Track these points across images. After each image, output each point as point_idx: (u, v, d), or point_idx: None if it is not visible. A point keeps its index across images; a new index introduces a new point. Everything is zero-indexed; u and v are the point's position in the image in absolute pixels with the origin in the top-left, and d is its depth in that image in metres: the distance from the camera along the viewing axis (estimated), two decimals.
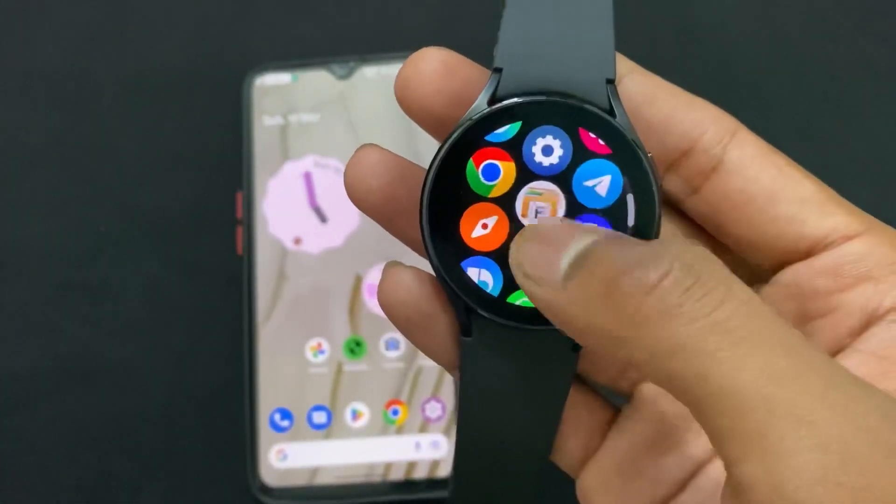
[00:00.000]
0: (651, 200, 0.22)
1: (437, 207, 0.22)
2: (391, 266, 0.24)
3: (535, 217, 0.22)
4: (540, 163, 0.22)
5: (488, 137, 0.22)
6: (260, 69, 0.40)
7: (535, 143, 0.22)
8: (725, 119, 0.24)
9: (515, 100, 0.22)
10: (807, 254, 0.24)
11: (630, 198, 0.22)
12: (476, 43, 0.24)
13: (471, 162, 0.22)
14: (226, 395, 0.39)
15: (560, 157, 0.22)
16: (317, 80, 0.40)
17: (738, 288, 0.18)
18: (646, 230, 0.22)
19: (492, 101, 0.22)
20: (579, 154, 0.22)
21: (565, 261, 0.20)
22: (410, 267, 0.24)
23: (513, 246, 0.21)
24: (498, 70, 0.22)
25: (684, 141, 0.24)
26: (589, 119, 0.22)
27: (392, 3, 0.42)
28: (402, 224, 0.24)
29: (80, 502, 0.38)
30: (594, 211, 0.22)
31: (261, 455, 0.38)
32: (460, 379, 0.24)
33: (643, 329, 0.18)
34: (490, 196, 0.22)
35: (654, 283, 0.18)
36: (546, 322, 0.21)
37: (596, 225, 0.22)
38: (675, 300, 0.18)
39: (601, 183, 0.22)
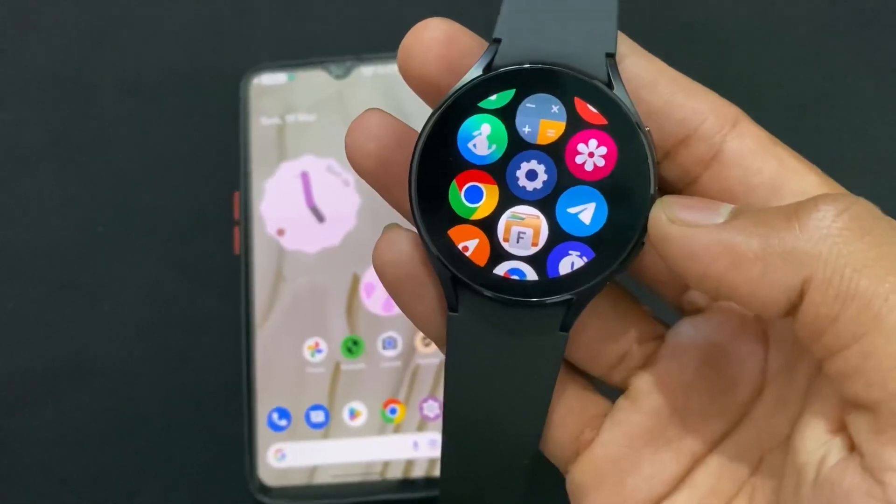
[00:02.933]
0: (645, 175, 0.22)
1: (426, 174, 0.22)
2: (389, 227, 0.24)
3: (518, 242, 0.22)
4: (524, 187, 0.22)
5: (481, 104, 0.22)
6: (257, 69, 0.41)
7: (518, 168, 0.22)
8: (727, 107, 0.23)
9: (511, 67, 0.22)
10: None
11: (623, 163, 0.22)
12: None
13: (463, 127, 0.22)
14: (224, 394, 0.39)
15: (544, 182, 0.22)
16: (314, 80, 0.40)
17: None
18: (639, 203, 0.22)
19: (488, 70, 0.22)
20: (574, 125, 0.22)
21: (725, 208, 0.21)
22: (408, 230, 0.24)
23: (656, 207, 0.22)
24: (496, 41, 0.22)
25: (683, 128, 0.23)
26: (585, 89, 0.22)
27: (389, 2, 0.42)
28: (397, 192, 0.24)
29: (79, 502, 0.38)
30: (577, 238, 0.22)
31: (259, 454, 0.38)
32: (446, 354, 0.24)
33: (836, 245, 0.20)
34: (472, 218, 0.22)
35: (846, 206, 0.20)
36: (531, 296, 0.22)
37: None
38: (868, 225, 0.20)
39: (585, 210, 0.22)
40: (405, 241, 0.24)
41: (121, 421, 0.39)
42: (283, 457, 0.38)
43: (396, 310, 0.38)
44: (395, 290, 0.24)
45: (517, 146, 0.22)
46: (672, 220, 0.21)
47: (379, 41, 0.41)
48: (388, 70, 0.40)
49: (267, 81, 0.40)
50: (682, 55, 0.24)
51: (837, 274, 0.20)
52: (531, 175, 0.22)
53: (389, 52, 0.40)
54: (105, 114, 0.42)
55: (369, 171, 0.24)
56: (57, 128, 0.42)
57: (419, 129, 0.23)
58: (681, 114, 0.23)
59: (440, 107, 0.22)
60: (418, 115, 0.40)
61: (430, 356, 0.38)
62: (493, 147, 0.22)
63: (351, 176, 0.39)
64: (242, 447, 0.38)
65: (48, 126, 0.42)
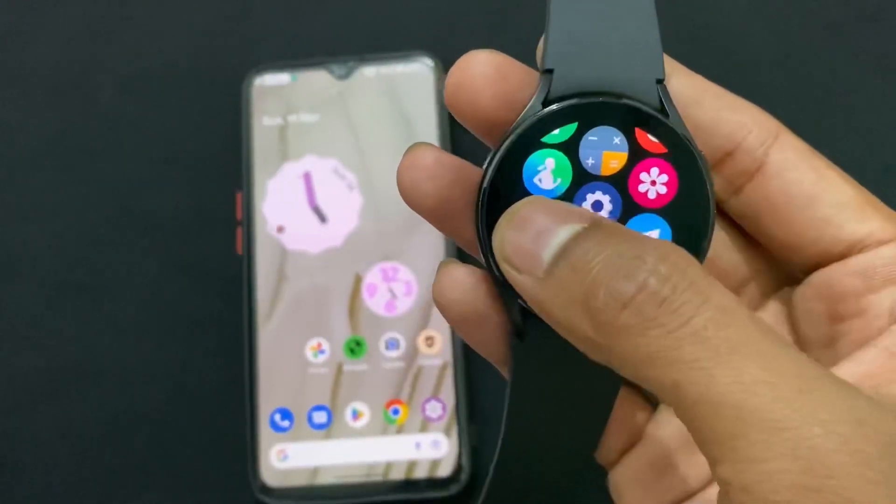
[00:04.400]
0: (705, 200, 0.22)
1: (494, 211, 0.22)
2: (446, 264, 0.24)
3: None
4: None
5: (544, 139, 0.22)
6: (259, 69, 0.41)
7: (584, 200, 0.22)
8: (768, 121, 0.24)
9: (572, 101, 0.22)
10: (841, 256, 0.24)
11: (684, 190, 0.22)
12: (476, 46, 0.24)
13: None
14: (226, 395, 0.39)
15: (610, 212, 0.22)
16: (316, 81, 0.40)
17: (716, 295, 0.19)
18: (699, 230, 0.22)
19: (545, 103, 0.22)
20: (635, 155, 0.22)
21: (548, 253, 0.20)
22: (465, 265, 0.24)
23: (495, 231, 0.21)
24: (549, 71, 0.22)
25: (729, 142, 0.24)
26: (645, 119, 0.22)
27: (391, 3, 0.42)
28: (455, 224, 0.24)
29: (81, 502, 0.38)
30: None
31: (261, 455, 0.38)
32: (510, 380, 0.24)
33: (619, 339, 0.19)
34: None
35: (629, 296, 0.19)
36: None
37: (585, 209, 0.22)
38: (651, 313, 0.18)
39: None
40: (467, 276, 0.24)
41: (122, 421, 0.39)
42: (285, 457, 0.38)
43: (399, 310, 0.39)
44: (461, 326, 0.25)
45: (582, 178, 0.22)
46: (501, 253, 0.21)
47: (381, 42, 0.41)
48: (390, 71, 0.40)
49: (269, 82, 0.40)
50: (687, 55, 0.24)
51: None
52: (597, 206, 0.22)
53: (391, 52, 0.40)
54: (107, 113, 0.42)
55: (428, 210, 0.24)
56: (59, 127, 0.42)
57: (473, 163, 0.23)
58: (727, 128, 0.24)
59: (504, 143, 0.22)
60: (419, 116, 0.40)
61: (433, 357, 0.38)
62: (559, 181, 0.22)
63: (353, 176, 0.40)
64: (244, 448, 0.38)
65: (50, 126, 0.42)
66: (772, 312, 0.26)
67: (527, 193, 0.22)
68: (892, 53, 0.40)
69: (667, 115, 0.22)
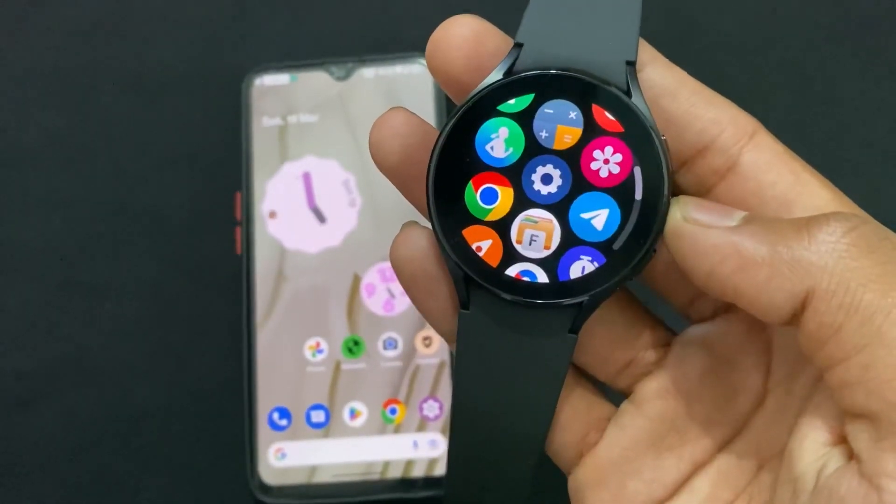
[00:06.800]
0: (660, 181, 0.22)
1: (443, 173, 0.23)
2: (408, 224, 0.25)
3: (530, 244, 0.23)
4: (538, 191, 0.22)
5: (500, 108, 0.22)
6: (259, 70, 0.41)
7: (534, 172, 0.22)
8: (745, 119, 0.24)
9: (532, 72, 0.22)
10: None
11: (638, 170, 0.22)
12: None
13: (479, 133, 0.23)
14: (225, 394, 0.39)
15: (559, 187, 0.22)
16: (315, 81, 0.41)
17: None
18: (652, 206, 0.22)
19: (509, 74, 0.22)
20: (590, 132, 0.22)
21: (738, 214, 0.22)
22: (425, 228, 0.24)
23: (673, 204, 0.22)
24: (518, 45, 0.23)
25: (701, 139, 0.23)
26: (603, 96, 0.22)
27: (391, 4, 0.42)
28: (417, 189, 0.24)
29: (80, 501, 0.38)
30: (589, 244, 0.22)
31: (259, 454, 0.38)
32: (456, 352, 0.24)
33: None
34: (486, 219, 0.23)
35: (854, 225, 0.21)
36: (541, 298, 0.22)
37: None
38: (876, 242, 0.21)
39: (598, 216, 0.22)
40: (422, 239, 0.24)
41: (121, 420, 0.39)
42: (283, 456, 0.38)
43: (397, 310, 0.39)
44: (409, 286, 0.25)
45: (533, 150, 0.22)
46: (686, 218, 0.22)
47: (380, 43, 0.41)
48: (390, 72, 0.40)
49: (269, 82, 0.41)
50: (682, 57, 0.24)
51: (842, 286, 0.20)
52: (546, 179, 0.22)
53: (391, 53, 0.40)
54: (107, 113, 0.42)
55: (391, 168, 0.24)
56: (59, 127, 0.42)
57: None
58: (699, 124, 0.23)
59: (460, 108, 0.23)
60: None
61: (431, 357, 0.38)
62: (511, 150, 0.22)
63: (352, 177, 0.40)
64: (243, 446, 0.38)
65: (50, 125, 0.42)
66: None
67: (478, 160, 0.22)
68: (888, 58, 0.40)
69: (630, 97, 0.22)
